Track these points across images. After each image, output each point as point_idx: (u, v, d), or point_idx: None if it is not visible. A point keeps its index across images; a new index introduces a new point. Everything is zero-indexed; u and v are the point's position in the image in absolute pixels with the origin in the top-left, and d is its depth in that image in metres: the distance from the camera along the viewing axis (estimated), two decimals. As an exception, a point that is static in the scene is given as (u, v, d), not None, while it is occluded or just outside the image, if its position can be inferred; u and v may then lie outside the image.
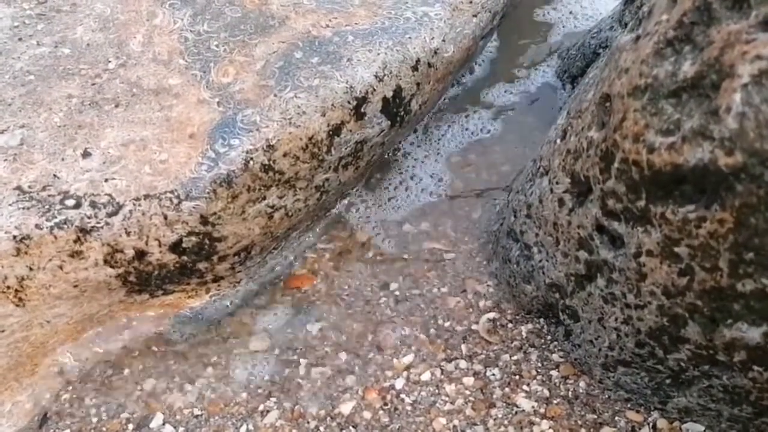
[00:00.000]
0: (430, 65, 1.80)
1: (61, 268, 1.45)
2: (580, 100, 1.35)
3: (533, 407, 1.48)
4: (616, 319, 1.33)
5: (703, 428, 1.39)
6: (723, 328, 1.11)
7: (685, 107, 1.00)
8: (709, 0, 0.98)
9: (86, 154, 1.49)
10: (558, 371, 1.55)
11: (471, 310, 1.70)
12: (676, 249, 1.08)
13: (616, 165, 1.14)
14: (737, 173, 0.93)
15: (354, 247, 1.88)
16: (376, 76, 1.68)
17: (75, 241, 1.43)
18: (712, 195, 0.99)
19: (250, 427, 1.50)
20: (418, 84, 1.80)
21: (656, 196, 1.08)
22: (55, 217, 1.41)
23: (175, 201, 1.47)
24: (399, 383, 1.56)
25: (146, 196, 1.46)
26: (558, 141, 1.41)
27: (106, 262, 1.48)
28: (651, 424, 1.43)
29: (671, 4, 1.06)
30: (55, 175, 1.45)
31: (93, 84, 1.61)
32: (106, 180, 1.46)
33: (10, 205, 1.41)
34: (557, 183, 1.38)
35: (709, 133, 0.96)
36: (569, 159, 1.33)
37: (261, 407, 1.54)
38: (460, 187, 2.01)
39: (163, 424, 1.52)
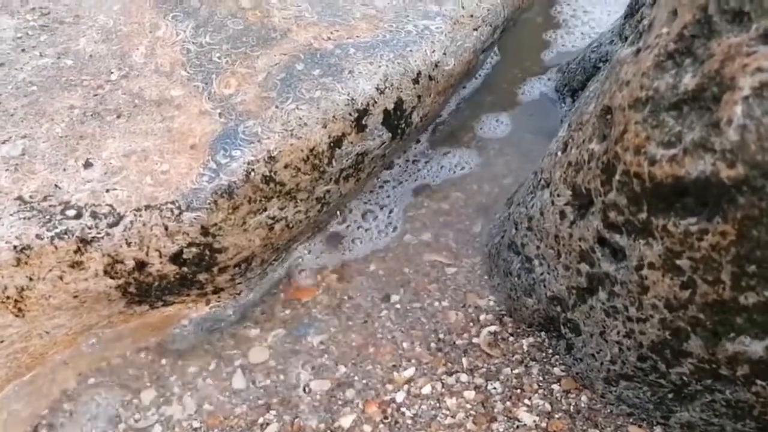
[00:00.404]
0: (431, 78, 1.81)
1: (61, 278, 1.45)
2: (581, 113, 1.35)
3: (535, 421, 1.47)
4: (617, 333, 1.32)
5: (705, 443, 1.38)
6: (725, 342, 1.10)
7: (686, 119, 1.00)
8: (709, 13, 0.98)
9: (88, 165, 1.49)
10: (559, 385, 1.54)
11: (472, 323, 1.70)
12: (678, 262, 1.08)
13: (617, 177, 1.13)
14: (739, 185, 0.93)
15: (355, 259, 1.88)
16: (377, 89, 1.68)
17: (75, 252, 1.43)
18: (713, 207, 0.99)
19: (250, 439, 1.50)
20: (419, 96, 1.80)
21: (658, 208, 1.08)
22: (56, 228, 1.41)
23: (176, 212, 1.47)
24: (399, 396, 1.55)
25: (147, 207, 1.46)
26: (559, 153, 1.41)
27: (106, 272, 1.48)
28: (653, 439, 1.42)
29: (672, 17, 1.07)
30: (56, 186, 1.45)
31: (95, 95, 1.61)
32: (108, 190, 1.46)
33: (11, 215, 1.41)
34: (558, 195, 1.38)
35: (710, 145, 0.95)
36: (570, 171, 1.33)
37: (260, 420, 1.53)
38: (462, 199, 2.01)
39: (162, 436, 1.52)
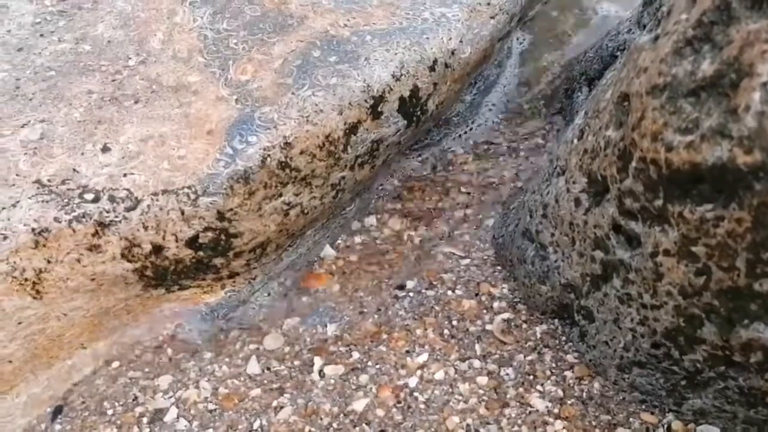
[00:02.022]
0: (447, 66, 1.81)
1: (78, 261, 1.46)
2: (597, 100, 1.35)
3: (547, 407, 1.48)
4: (631, 320, 1.32)
5: (718, 430, 1.38)
6: (739, 329, 1.10)
7: (703, 106, 1.00)
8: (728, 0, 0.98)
9: (105, 149, 1.50)
10: (572, 372, 1.54)
11: (485, 311, 1.70)
12: (693, 248, 1.08)
13: (633, 164, 1.13)
14: (755, 172, 0.93)
15: (370, 247, 1.89)
16: (393, 76, 1.69)
17: (93, 235, 1.44)
18: (730, 194, 0.99)
19: (264, 422, 1.51)
20: (435, 84, 1.80)
21: (674, 195, 1.07)
22: (74, 211, 1.43)
23: (193, 196, 1.48)
24: (412, 382, 1.56)
25: (164, 192, 1.47)
26: (575, 141, 1.41)
27: (123, 256, 1.49)
28: (666, 426, 1.42)
29: (691, 3, 1.06)
30: (74, 169, 1.47)
31: (113, 80, 1.62)
32: (125, 175, 1.47)
33: (29, 198, 1.43)
34: (574, 182, 1.38)
35: (727, 131, 0.95)
36: (586, 158, 1.33)
37: (274, 403, 1.55)
38: (476, 194, 2.02)
39: (177, 418, 1.53)
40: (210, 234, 1.53)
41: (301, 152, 1.57)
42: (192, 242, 1.53)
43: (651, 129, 1.07)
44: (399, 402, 1.53)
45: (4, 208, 1.41)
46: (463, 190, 2.03)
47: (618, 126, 1.20)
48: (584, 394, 1.50)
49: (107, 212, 1.44)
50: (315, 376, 1.60)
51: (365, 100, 1.64)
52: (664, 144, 1.05)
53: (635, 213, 1.19)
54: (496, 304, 1.71)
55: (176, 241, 1.51)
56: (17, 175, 1.45)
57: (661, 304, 1.21)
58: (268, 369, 1.63)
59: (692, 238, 1.07)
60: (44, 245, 1.42)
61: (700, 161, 1.00)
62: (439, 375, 1.57)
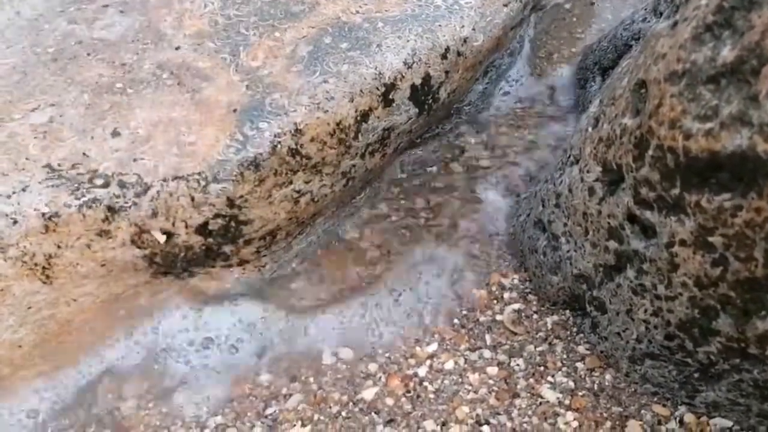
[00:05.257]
0: (459, 54, 1.79)
1: (89, 246, 1.46)
2: (613, 88, 1.33)
3: (558, 398, 1.47)
4: (645, 311, 1.31)
5: (731, 423, 1.36)
6: (756, 320, 1.09)
7: (723, 93, 0.98)
8: (750, -16, 0.96)
9: (115, 134, 1.49)
10: (584, 363, 1.53)
11: (495, 301, 1.69)
12: (710, 238, 1.06)
13: (650, 152, 1.12)
14: (776, 160, 0.92)
15: (380, 236, 1.88)
16: (405, 63, 1.67)
17: (103, 221, 1.43)
18: (749, 183, 0.98)
19: (273, 409, 1.50)
20: (446, 72, 1.79)
21: (691, 183, 1.06)
22: (84, 196, 1.42)
23: (203, 183, 1.47)
24: (422, 371, 1.56)
25: (174, 177, 1.46)
26: (590, 129, 1.39)
27: (133, 242, 1.49)
28: (678, 419, 1.41)
29: (711, -11, 1.05)
30: (84, 154, 1.46)
31: (123, 64, 1.61)
32: (135, 160, 1.47)
33: (39, 182, 1.42)
34: (588, 171, 1.37)
35: (748, 119, 0.94)
36: (601, 147, 1.31)
37: (284, 390, 1.54)
38: (488, 183, 2.00)
39: (188, 402, 1.53)
40: (220, 221, 1.53)
41: (312, 139, 1.56)
42: (202, 229, 1.52)
43: (669, 116, 1.06)
44: (408, 391, 1.52)
45: (14, 192, 1.40)
46: (474, 179, 2.02)
47: (635, 113, 1.19)
48: (596, 385, 1.49)
49: (117, 198, 1.43)
50: (324, 364, 1.59)
51: (376, 88, 1.63)
52: (682, 131, 1.03)
53: (651, 202, 1.17)
54: (506, 295, 1.70)
55: (186, 227, 1.50)
56: (27, 159, 1.45)
57: (676, 295, 1.20)
58: (278, 357, 1.62)
59: (709, 227, 1.05)
60: (54, 230, 1.42)
61: (719, 149, 0.98)
62: (449, 365, 1.56)
